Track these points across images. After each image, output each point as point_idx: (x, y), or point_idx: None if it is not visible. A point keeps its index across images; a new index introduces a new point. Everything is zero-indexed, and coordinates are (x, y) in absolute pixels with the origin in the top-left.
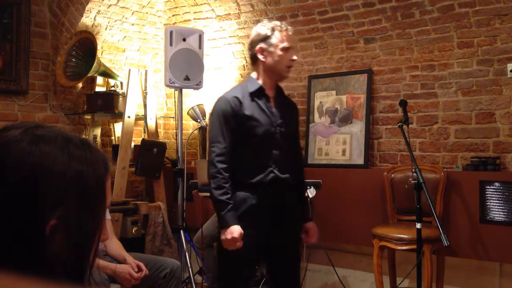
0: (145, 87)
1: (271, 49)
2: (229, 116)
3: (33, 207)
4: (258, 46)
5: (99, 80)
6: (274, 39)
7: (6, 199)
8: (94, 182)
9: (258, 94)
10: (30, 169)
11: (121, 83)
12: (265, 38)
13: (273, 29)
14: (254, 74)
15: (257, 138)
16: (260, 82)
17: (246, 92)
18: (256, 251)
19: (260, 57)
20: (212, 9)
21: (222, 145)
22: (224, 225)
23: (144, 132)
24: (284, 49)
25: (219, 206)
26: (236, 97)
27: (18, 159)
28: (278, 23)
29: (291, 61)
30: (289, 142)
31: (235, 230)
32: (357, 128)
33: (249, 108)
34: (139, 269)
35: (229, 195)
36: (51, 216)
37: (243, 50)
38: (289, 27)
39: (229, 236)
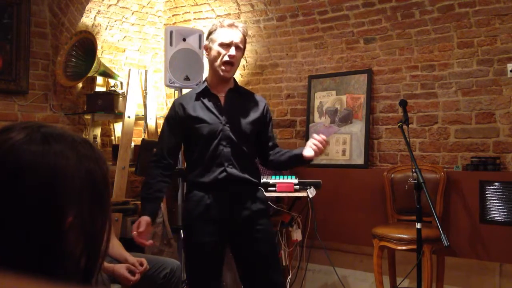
0: (145, 87)
1: (210, 44)
2: (173, 121)
3: (51, 207)
4: (204, 44)
5: (99, 80)
6: (214, 34)
7: (23, 203)
8: (101, 179)
9: (203, 94)
10: (46, 170)
11: (121, 83)
12: (209, 35)
13: (215, 26)
14: (208, 75)
15: (205, 137)
16: (208, 82)
17: (194, 93)
18: (216, 248)
19: (205, 53)
20: (212, 9)
21: (159, 147)
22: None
23: (144, 132)
24: (221, 45)
25: (141, 201)
26: (181, 103)
27: (32, 161)
28: (225, 20)
29: (229, 56)
30: (244, 138)
31: (137, 220)
32: (357, 128)
33: (194, 109)
34: (141, 265)
35: (150, 190)
36: (68, 214)
37: None
38: (240, 25)
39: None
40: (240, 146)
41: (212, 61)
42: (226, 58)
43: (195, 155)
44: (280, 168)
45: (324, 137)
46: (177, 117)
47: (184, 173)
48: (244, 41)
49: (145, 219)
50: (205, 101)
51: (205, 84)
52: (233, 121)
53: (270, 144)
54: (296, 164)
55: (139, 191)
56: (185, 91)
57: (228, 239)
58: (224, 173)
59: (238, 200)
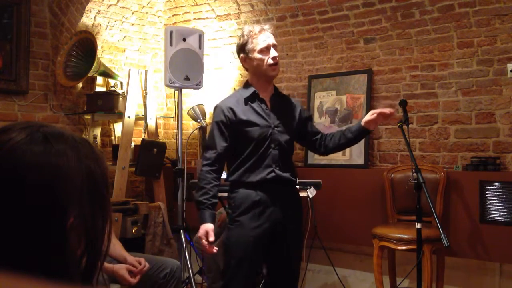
0: (145, 87)
1: (250, 55)
2: (223, 125)
3: (52, 207)
4: (240, 56)
5: (99, 80)
6: (249, 45)
7: (24, 203)
8: (101, 178)
9: (252, 98)
10: (47, 170)
11: (121, 83)
12: (242, 47)
13: (246, 36)
14: (248, 80)
15: (256, 140)
16: (253, 87)
17: (241, 98)
18: (258, 244)
19: (245, 65)
20: (212, 9)
21: (212, 151)
22: (199, 222)
23: (144, 132)
24: (260, 52)
25: (197, 206)
26: (230, 107)
27: (33, 161)
28: (250, 27)
29: (273, 59)
30: (289, 140)
31: (202, 228)
32: None
33: (244, 113)
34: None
35: (208, 195)
36: (69, 214)
37: None
38: (266, 27)
39: (197, 234)
40: (286, 148)
41: (256, 68)
42: (270, 61)
43: (242, 157)
44: (339, 150)
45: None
46: (227, 121)
47: (228, 173)
48: (275, 39)
49: (211, 227)
50: (254, 105)
51: (253, 88)
52: (280, 124)
53: (318, 136)
54: (355, 140)
55: (139, 191)
56: (185, 91)
57: (269, 235)
58: (273, 174)
59: (283, 198)
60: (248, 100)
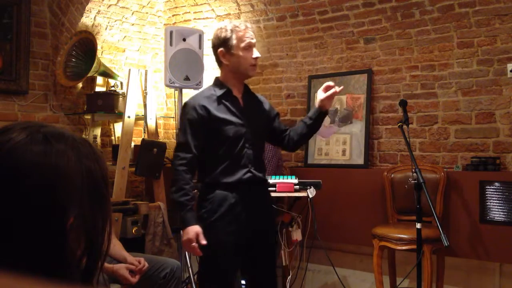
0: (145, 87)
1: (232, 51)
2: (196, 123)
3: (53, 207)
4: (219, 50)
5: (99, 80)
6: (233, 41)
7: (25, 203)
8: (101, 179)
9: (225, 97)
10: (48, 170)
11: (121, 83)
12: (224, 41)
13: (231, 31)
14: (220, 76)
15: (230, 139)
16: (227, 84)
17: (213, 96)
18: (235, 249)
19: (223, 60)
20: (212, 9)
21: (186, 150)
22: (183, 225)
23: (144, 132)
24: (244, 49)
25: (179, 207)
26: (203, 105)
27: (34, 161)
28: (237, 23)
29: (254, 59)
30: (262, 139)
31: (191, 231)
32: (357, 128)
33: (218, 112)
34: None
35: (188, 197)
36: (69, 214)
37: None
38: (249, 25)
39: (185, 237)
40: (259, 147)
41: (236, 66)
42: (252, 61)
43: (217, 156)
44: (304, 140)
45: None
46: (200, 119)
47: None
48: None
49: (200, 229)
50: (228, 103)
51: (226, 86)
52: (253, 123)
53: (286, 132)
54: (316, 124)
55: (139, 191)
56: (185, 91)
57: (245, 238)
58: (249, 174)
59: (259, 198)
60: (221, 98)
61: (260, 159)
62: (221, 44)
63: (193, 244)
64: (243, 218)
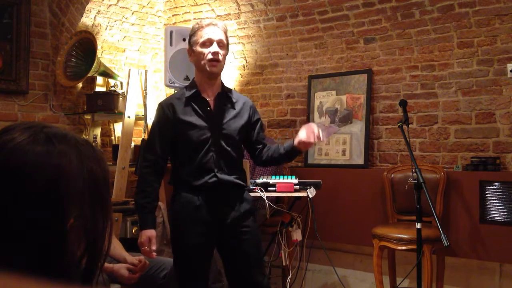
0: (145, 87)
1: (193, 47)
2: (164, 124)
3: (54, 208)
4: (187, 48)
5: (99, 80)
6: (193, 37)
7: (26, 203)
8: (102, 180)
9: (194, 98)
10: (50, 170)
11: (121, 83)
12: (190, 38)
13: (193, 28)
14: (195, 77)
15: (194, 143)
16: (198, 85)
17: (183, 97)
18: (204, 250)
19: (189, 58)
20: (212, 9)
21: (151, 152)
22: (140, 227)
23: (144, 132)
24: (202, 44)
25: (137, 209)
26: (171, 103)
27: (36, 161)
28: (204, 20)
29: (212, 54)
30: (233, 143)
31: (144, 234)
32: (357, 128)
33: (184, 114)
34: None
35: (148, 199)
36: (70, 215)
37: (243, 50)
38: (215, 22)
39: (138, 240)
40: (229, 152)
41: (197, 62)
42: (210, 56)
43: (183, 159)
44: (273, 163)
45: (317, 134)
46: (167, 119)
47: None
48: (225, 37)
49: (154, 234)
50: (195, 105)
51: (196, 87)
52: (222, 127)
53: (259, 145)
54: (287, 157)
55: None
56: None
57: (216, 240)
58: (214, 178)
59: (226, 202)
60: (190, 100)
61: (229, 162)
62: (188, 42)
63: (144, 248)
64: (209, 219)
